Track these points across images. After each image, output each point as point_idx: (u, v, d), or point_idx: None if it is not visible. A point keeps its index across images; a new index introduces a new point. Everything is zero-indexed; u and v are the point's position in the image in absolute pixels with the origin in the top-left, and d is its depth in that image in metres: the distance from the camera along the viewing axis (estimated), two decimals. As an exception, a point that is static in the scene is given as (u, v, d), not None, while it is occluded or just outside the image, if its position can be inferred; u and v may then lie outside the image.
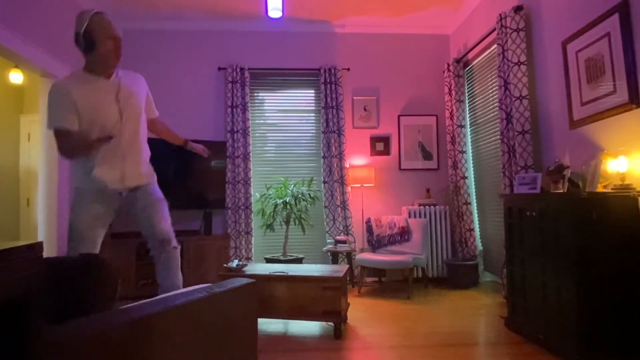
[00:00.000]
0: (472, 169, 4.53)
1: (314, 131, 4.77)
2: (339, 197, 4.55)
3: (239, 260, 3.71)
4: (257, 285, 1.65)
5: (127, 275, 3.90)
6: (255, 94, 4.77)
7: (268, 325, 3.04)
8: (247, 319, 1.56)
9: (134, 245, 3.95)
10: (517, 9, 3.32)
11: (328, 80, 4.64)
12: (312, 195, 4.35)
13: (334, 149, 4.59)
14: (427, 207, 4.49)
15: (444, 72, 4.78)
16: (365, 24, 4.75)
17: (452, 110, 4.55)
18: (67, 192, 3.76)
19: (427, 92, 4.85)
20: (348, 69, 4.76)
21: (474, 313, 3.27)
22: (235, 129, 4.53)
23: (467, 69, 4.56)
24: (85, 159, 2.17)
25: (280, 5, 3.78)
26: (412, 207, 4.52)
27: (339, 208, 4.54)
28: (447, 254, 4.49)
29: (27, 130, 5.01)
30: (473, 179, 4.52)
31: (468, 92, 4.59)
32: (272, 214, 4.25)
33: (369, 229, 4.37)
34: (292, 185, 4.35)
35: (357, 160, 4.75)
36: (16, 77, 4.51)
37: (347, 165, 4.63)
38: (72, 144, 2.08)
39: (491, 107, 4.01)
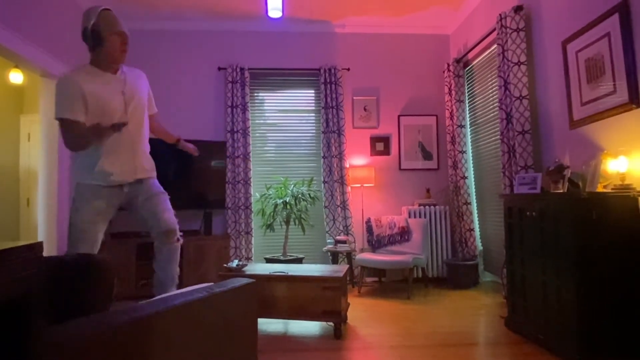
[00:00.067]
0: (472, 169, 4.53)
1: (314, 131, 4.77)
2: (339, 197, 4.55)
3: (239, 260, 3.71)
4: (257, 285, 1.65)
5: (127, 275, 3.90)
6: (255, 94, 4.77)
7: (268, 325, 3.04)
8: (247, 319, 1.56)
9: (134, 245, 3.95)
10: (517, 9, 3.32)
11: (328, 80, 4.64)
12: (312, 195, 4.35)
13: (334, 149, 4.59)
14: (427, 207, 4.49)
15: (444, 72, 4.78)
16: (365, 24, 4.76)
17: (452, 110, 4.55)
18: (67, 192, 3.76)
19: (427, 92, 4.85)
20: (348, 69, 4.76)
21: (474, 313, 3.27)
22: (235, 129, 4.53)
23: (467, 69, 4.56)
24: (88, 153, 2.20)
25: (280, 5, 3.78)
26: (412, 207, 4.52)
27: (339, 208, 4.54)
28: (447, 254, 4.49)
29: (27, 130, 5.01)
30: (473, 179, 4.52)
31: (468, 92, 4.59)
32: (272, 214, 4.25)
33: (369, 229, 4.37)
34: (292, 185, 4.35)
35: (357, 160, 4.75)
36: (16, 77, 4.51)
37: (347, 165, 4.63)
38: (79, 134, 2.11)
39: (491, 107, 4.01)
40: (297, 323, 3.08)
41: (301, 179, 4.54)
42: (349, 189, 4.58)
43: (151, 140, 2.53)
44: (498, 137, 3.67)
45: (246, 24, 4.70)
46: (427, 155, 4.79)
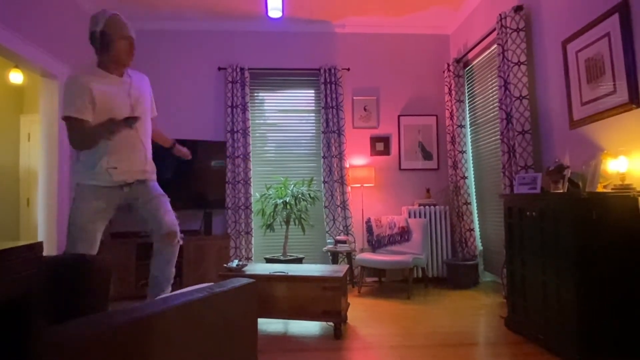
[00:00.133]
0: (472, 169, 4.53)
1: (314, 131, 4.77)
2: (339, 197, 4.55)
3: (239, 260, 3.71)
4: (257, 285, 1.65)
5: (127, 275, 3.91)
6: (255, 94, 4.77)
7: (268, 325, 3.04)
8: (247, 319, 1.56)
9: (134, 245, 3.95)
10: (517, 9, 3.32)
11: (328, 80, 4.64)
12: (312, 195, 4.35)
13: (334, 149, 4.59)
14: (427, 207, 4.49)
15: (444, 72, 4.78)
16: (365, 24, 4.76)
17: (452, 110, 4.55)
18: (67, 192, 3.76)
19: (427, 92, 4.85)
20: (348, 69, 4.76)
21: (474, 313, 3.27)
22: (235, 129, 4.53)
23: (467, 69, 4.56)
24: (91, 152, 2.22)
25: (280, 5, 3.78)
26: (412, 207, 4.52)
27: (339, 208, 4.54)
28: (447, 254, 4.49)
29: (27, 130, 5.01)
30: (473, 179, 4.52)
31: (468, 92, 4.59)
32: (272, 214, 4.25)
33: (369, 229, 4.37)
34: (292, 185, 4.35)
35: (357, 160, 4.75)
36: (16, 77, 4.52)
37: (347, 165, 4.63)
38: (86, 133, 2.13)
39: (491, 107, 4.01)
40: (297, 323, 3.08)
41: (301, 179, 4.54)
42: (349, 189, 4.58)
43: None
44: (498, 137, 3.67)
45: (246, 24, 4.70)
46: (427, 155, 4.79)
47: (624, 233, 2.16)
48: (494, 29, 3.61)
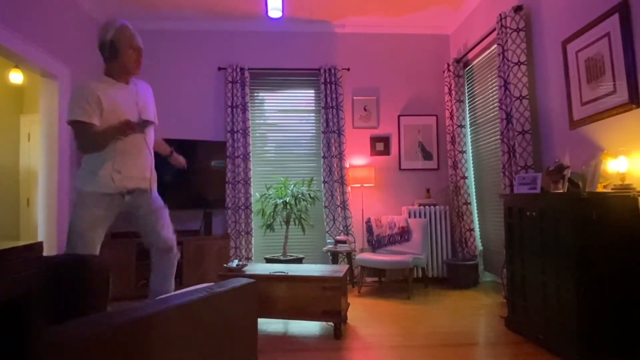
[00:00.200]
0: (472, 169, 4.53)
1: (314, 131, 4.77)
2: (339, 197, 4.55)
3: (239, 260, 3.71)
4: (257, 285, 1.65)
5: (127, 275, 3.91)
6: (255, 94, 4.77)
7: (268, 325, 3.04)
8: (247, 319, 1.56)
9: (133, 245, 3.95)
10: (517, 9, 3.32)
11: (328, 80, 4.64)
12: (312, 195, 4.35)
13: (334, 149, 4.59)
14: (427, 207, 4.49)
15: (444, 72, 4.78)
16: (365, 24, 4.76)
17: (452, 110, 4.55)
18: (67, 192, 3.76)
19: (427, 92, 4.85)
20: (348, 69, 4.76)
21: (474, 313, 3.27)
22: (235, 129, 4.53)
23: (467, 69, 4.56)
24: (94, 157, 2.22)
25: (280, 5, 3.78)
26: (412, 207, 4.52)
27: (339, 208, 4.54)
28: (447, 254, 4.49)
29: (27, 130, 5.01)
30: (473, 179, 4.52)
31: (468, 92, 4.59)
32: (272, 214, 4.25)
33: (369, 229, 4.37)
34: (292, 185, 4.35)
35: (357, 160, 4.75)
36: (16, 77, 4.52)
37: (347, 165, 4.63)
38: (95, 136, 2.14)
39: (491, 107, 4.01)
40: (297, 323, 3.08)
41: (301, 179, 4.54)
42: (349, 189, 4.58)
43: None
44: (498, 137, 3.67)
45: (246, 24, 4.70)
46: (427, 155, 4.79)
47: (624, 233, 2.16)
48: (494, 29, 3.61)
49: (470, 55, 4.39)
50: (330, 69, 4.64)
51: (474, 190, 4.50)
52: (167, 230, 2.40)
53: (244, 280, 1.56)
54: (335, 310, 2.77)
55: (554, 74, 3.05)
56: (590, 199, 2.19)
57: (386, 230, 4.28)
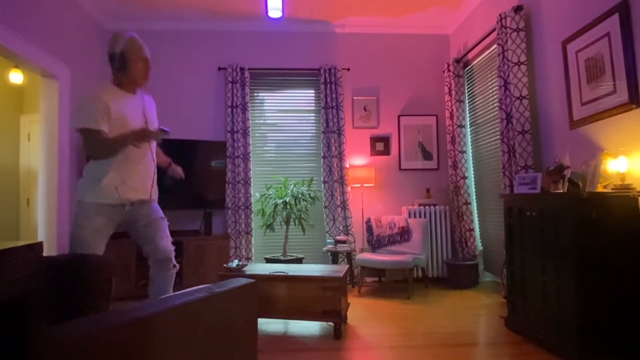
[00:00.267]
0: (472, 169, 4.53)
1: (314, 131, 4.77)
2: (339, 197, 4.55)
3: (239, 260, 3.71)
4: (257, 285, 1.65)
5: (127, 275, 3.90)
6: (255, 94, 4.77)
7: (268, 325, 3.04)
8: (247, 319, 1.56)
9: (133, 245, 3.94)
10: (517, 9, 3.32)
11: (328, 80, 4.64)
12: (312, 195, 4.35)
13: (334, 149, 4.59)
14: (427, 207, 4.49)
15: (444, 72, 4.78)
16: (365, 24, 4.76)
17: (452, 110, 4.55)
18: (67, 192, 3.76)
19: (427, 92, 4.85)
20: (348, 69, 4.76)
21: (474, 313, 3.27)
22: (235, 129, 4.53)
23: (467, 69, 4.56)
24: (97, 167, 2.23)
25: (280, 5, 3.78)
26: (412, 207, 4.52)
27: (339, 208, 4.54)
28: (447, 254, 4.49)
29: (27, 130, 5.01)
30: (473, 179, 4.52)
31: (468, 92, 4.59)
32: (272, 214, 4.25)
33: (369, 229, 4.37)
34: (292, 185, 4.35)
35: (357, 160, 4.75)
36: (16, 77, 4.52)
37: (347, 165, 4.63)
38: (105, 142, 2.15)
39: (491, 107, 4.01)
40: (297, 323, 3.08)
41: (301, 179, 4.54)
42: (349, 189, 4.58)
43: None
44: (498, 137, 3.67)
45: (246, 24, 4.70)
46: (427, 155, 4.79)
47: (624, 233, 2.16)
48: (494, 29, 3.61)
49: (470, 55, 4.39)
50: (330, 69, 4.64)
51: (474, 190, 4.50)
52: (166, 241, 2.41)
53: (244, 280, 1.56)
54: (335, 310, 2.77)
55: (554, 74, 3.05)
56: (590, 199, 2.19)
57: (386, 230, 4.28)
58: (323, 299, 2.78)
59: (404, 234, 4.19)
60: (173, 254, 2.43)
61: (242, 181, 4.49)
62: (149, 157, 2.38)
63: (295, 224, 4.28)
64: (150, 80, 2.69)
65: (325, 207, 4.56)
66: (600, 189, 2.36)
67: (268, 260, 4.18)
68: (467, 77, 4.59)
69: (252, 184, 4.53)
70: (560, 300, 2.27)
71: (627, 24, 2.34)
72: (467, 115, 4.57)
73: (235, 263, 3.06)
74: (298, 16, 4.56)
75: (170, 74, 4.67)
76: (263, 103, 4.79)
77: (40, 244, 2.33)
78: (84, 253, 2.01)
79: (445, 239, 4.48)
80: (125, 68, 2.26)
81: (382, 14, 4.53)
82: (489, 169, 4.14)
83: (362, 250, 4.45)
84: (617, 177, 2.31)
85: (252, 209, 4.51)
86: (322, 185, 4.59)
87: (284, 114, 4.79)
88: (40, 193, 3.64)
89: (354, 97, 4.78)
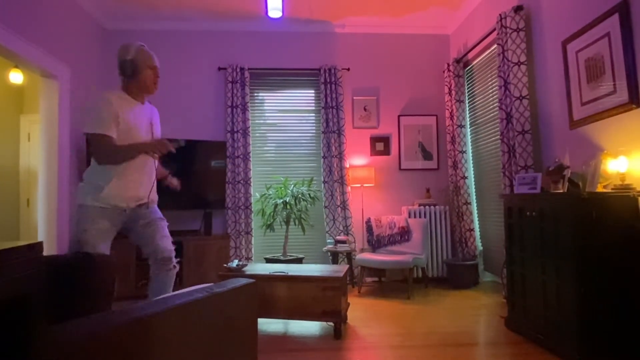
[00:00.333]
0: (472, 169, 4.53)
1: (314, 131, 4.77)
2: (339, 197, 4.55)
3: (239, 260, 3.71)
4: (257, 285, 1.65)
5: (127, 275, 3.90)
6: (255, 94, 4.77)
7: (268, 325, 3.04)
8: (247, 319, 1.56)
9: (133, 245, 3.93)
10: (517, 9, 3.32)
11: (328, 80, 4.64)
12: (312, 195, 4.35)
13: (334, 149, 4.59)
14: (427, 207, 4.49)
15: (444, 72, 4.78)
16: (365, 24, 4.75)
17: (452, 110, 4.55)
18: (67, 192, 3.76)
19: (427, 92, 4.85)
20: (348, 69, 4.76)
21: (474, 313, 3.27)
22: (235, 129, 4.53)
23: (467, 69, 4.56)
24: (99, 173, 2.24)
25: (280, 5, 3.78)
26: (412, 207, 4.52)
27: (339, 208, 4.54)
28: (447, 254, 4.49)
29: (27, 130, 5.01)
30: (473, 179, 4.52)
31: (468, 92, 4.59)
32: (272, 214, 4.25)
33: (369, 229, 4.37)
34: (292, 185, 4.35)
35: (357, 160, 4.75)
36: (16, 77, 4.52)
37: (347, 165, 4.63)
38: (114, 148, 2.19)
39: (491, 107, 4.01)
40: (297, 323, 3.08)
41: (301, 179, 4.54)
42: (349, 189, 4.58)
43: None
44: (498, 137, 3.67)
45: (246, 24, 4.70)
46: (427, 155, 4.78)
47: (624, 233, 2.16)
48: (494, 29, 3.61)
49: (470, 55, 4.39)
50: (330, 69, 4.64)
51: (474, 190, 4.50)
52: (166, 241, 2.42)
53: (244, 281, 1.56)
54: (335, 310, 2.77)
55: (554, 74, 3.05)
56: (590, 199, 2.19)
57: (386, 230, 4.28)
58: (323, 299, 2.78)
59: (404, 234, 4.19)
60: (173, 253, 2.44)
61: (242, 181, 4.49)
62: (151, 163, 2.40)
63: (295, 224, 4.28)
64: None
65: (325, 207, 4.56)
66: (600, 189, 2.36)
67: (268, 260, 4.18)
68: (467, 77, 4.59)
69: (252, 184, 4.53)
70: (560, 300, 2.27)
71: (627, 24, 2.34)
72: (467, 115, 4.57)
73: (235, 263, 3.06)
74: (298, 16, 4.56)
75: (170, 74, 4.67)
76: (263, 103, 4.79)
77: (40, 244, 2.32)
78: (89, 252, 2.01)
79: (445, 239, 4.48)
80: (136, 75, 2.30)
81: (382, 14, 4.53)
82: (489, 169, 4.14)
83: (362, 250, 4.45)
84: (617, 177, 2.31)
85: (252, 209, 4.51)
86: (322, 185, 4.59)
87: (284, 114, 4.79)
88: (40, 193, 3.64)
89: (354, 97, 4.78)
